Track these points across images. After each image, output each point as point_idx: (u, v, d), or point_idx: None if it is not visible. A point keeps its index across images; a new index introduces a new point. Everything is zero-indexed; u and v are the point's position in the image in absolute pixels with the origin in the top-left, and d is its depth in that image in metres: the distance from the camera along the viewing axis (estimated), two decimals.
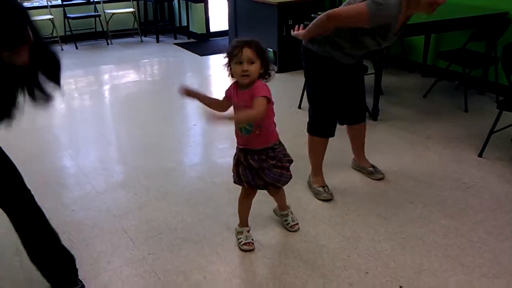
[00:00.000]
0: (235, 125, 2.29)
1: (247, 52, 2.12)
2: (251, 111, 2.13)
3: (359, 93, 3.09)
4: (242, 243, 2.52)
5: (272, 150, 2.32)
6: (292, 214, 2.71)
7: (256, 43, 2.17)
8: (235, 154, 2.39)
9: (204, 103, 2.36)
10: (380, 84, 4.23)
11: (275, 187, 2.43)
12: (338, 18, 2.59)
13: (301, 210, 2.85)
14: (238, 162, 2.36)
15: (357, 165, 3.35)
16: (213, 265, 2.41)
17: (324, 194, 3.00)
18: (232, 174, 2.43)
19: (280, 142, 2.37)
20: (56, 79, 1.86)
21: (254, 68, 2.14)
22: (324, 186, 3.04)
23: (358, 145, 3.29)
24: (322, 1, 5.97)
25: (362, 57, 2.98)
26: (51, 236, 2.08)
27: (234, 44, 2.16)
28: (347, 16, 2.57)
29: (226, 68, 2.23)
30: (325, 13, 2.61)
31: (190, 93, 2.33)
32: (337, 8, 2.66)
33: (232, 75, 2.23)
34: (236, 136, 2.35)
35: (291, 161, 2.41)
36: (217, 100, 2.36)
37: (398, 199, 2.98)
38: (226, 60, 2.20)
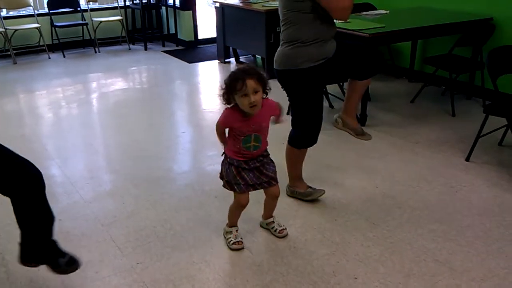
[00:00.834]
0: (240, 146, 2.32)
1: (251, 84, 2.15)
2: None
3: (355, 55, 3.00)
4: (232, 242, 2.53)
5: (266, 150, 2.46)
6: (277, 220, 2.72)
7: (256, 71, 2.21)
8: (230, 165, 2.38)
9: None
10: (368, 90, 4.25)
11: (276, 181, 2.49)
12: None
13: (289, 217, 2.84)
14: (239, 169, 2.37)
15: (344, 123, 3.19)
16: (202, 273, 2.40)
17: (317, 192, 2.99)
18: (234, 187, 2.41)
19: None
20: None
21: (259, 96, 2.20)
22: (310, 186, 3.04)
23: (352, 101, 3.15)
24: None
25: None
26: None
27: (234, 77, 2.18)
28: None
29: (223, 97, 2.24)
30: (338, 7, 2.59)
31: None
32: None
33: (227, 103, 2.26)
34: (232, 153, 2.37)
35: None
36: (224, 132, 2.41)
37: (386, 204, 2.99)
38: (224, 91, 2.22)
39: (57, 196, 3.21)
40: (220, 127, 2.37)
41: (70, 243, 2.65)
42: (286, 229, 2.68)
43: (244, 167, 2.37)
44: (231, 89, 2.19)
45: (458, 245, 2.56)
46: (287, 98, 2.88)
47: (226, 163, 2.41)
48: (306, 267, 2.41)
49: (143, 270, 2.43)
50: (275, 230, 2.67)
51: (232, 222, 2.60)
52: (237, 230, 2.59)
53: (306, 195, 3.02)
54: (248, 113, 2.25)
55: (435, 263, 2.42)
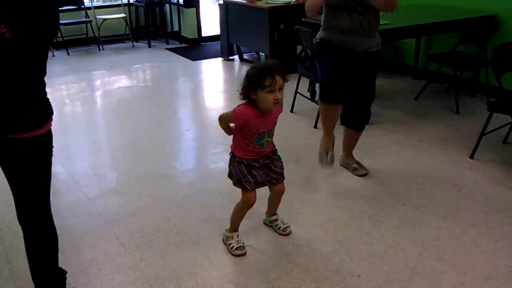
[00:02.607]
0: (254, 144, 2.31)
1: (280, 81, 2.15)
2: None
3: (367, 96, 3.16)
4: (234, 247, 2.51)
5: (273, 145, 2.46)
6: (281, 217, 2.71)
7: (283, 69, 2.20)
8: (239, 164, 2.36)
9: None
10: None
11: (283, 177, 2.50)
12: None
13: (293, 214, 2.84)
14: (249, 168, 2.36)
15: (344, 161, 3.42)
16: (206, 271, 2.40)
17: (324, 159, 3.13)
18: (244, 184, 2.38)
19: None
20: None
21: (282, 93, 2.20)
22: (328, 151, 3.14)
23: (349, 146, 3.37)
24: None
25: (373, 59, 3.05)
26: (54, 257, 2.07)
27: (262, 73, 2.13)
28: None
29: (243, 91, 2.21)
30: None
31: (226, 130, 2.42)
32: None
33: (244, 98, 2.22)
34: (244, 153, 2.35)
35: None
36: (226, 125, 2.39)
37: (390, 202, 2.98)
38: (247, 85, 2.18)
39: (61, 194, 3.22)
40: (228, 120, 2.31)
41: (74, 240, 2.67)
42: (289, 226, 2.68)
43: (254, 165, 2.36)
44: (257, 84, 2.14)
45: (462, 243, 2.56)
46: None
47: (235, 162, 2.38)
48: (309, 265, 2.41)
49: (147, 267, 2.44)
50: (279, 228, 2.67)
51: (235, 226, 2.56)
52: (238, 235, 2.57)
53: (319, 156, 3.18)
54: (264, 110, 2.23)
55: (439, 261, 2.41)
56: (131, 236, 2.70)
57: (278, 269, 2.39)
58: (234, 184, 2.45)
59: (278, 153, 2.48)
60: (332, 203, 2.98)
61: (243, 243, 2.54)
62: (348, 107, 3.18)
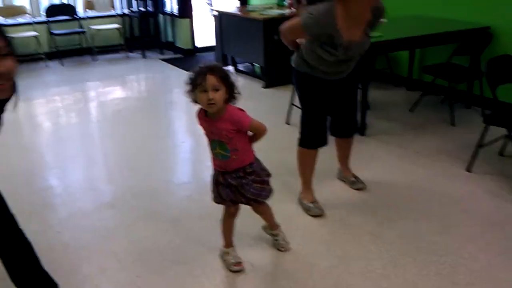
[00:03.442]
0: (212, 153, 2.29)
1: (211, 80, 2.06)
2: (258, 136, 2.28)
3: (351, 107, 3.12)
4: (232, 263, 2.48)
5: (250, 166, 2.30)
6: (283, 233, 2.66)
7: (220, 69, 2.13)
8: (213, 175, 2.37)
9: None
10: (367, 99, 4.25)
11: (257, 202, 2.39)
12: (284, 32, 2.83)
13: (291, 228, 2.82)
14: (217, 182, 2.34)
15: (340, 174, 3.40)
16: (203, 286, 2.38)
17: (315, 210, 2.99)
18: (212, 194, 2.40)
19: (256, 158, 2.35)
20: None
21: (219, 96, 2.09)
22: (314, 201, 3.04)
23: (343, 157, 3.34)
24: None
25: (355, 72, 2.97)
26: (34, 263, 2.03)
27: (197, 71, 2.11)
28: (289, 30, 2.80)
29: (188, 95, 2.17)
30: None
31: None
32: (284, 24, 2.82)
33: (195, 101, 2.18)
34: (212, 160, 2.34)
35: (269, 175, 2.38)
36: None
37: (387, 215, 2.97)
38: (189, 87, 2.14)
39: (56, 207, 3.18)
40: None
41: (69, 255, 2.63)
42: (289, 244, 2.64)
43: (220, 182, 2.31)
44: (193, 84, 2.11)
45: (461, 258, 2.55)
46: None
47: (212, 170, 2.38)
48: (307, 281, 2.39)
49: (143, 283, 2.41)
50: (278, 244, 2.63)
51: (226, 240, 2.52)
52: (234, 250, 2.53)
53: (305, 209, 3.03)
54: (209, 115, 2.18)
55: (438, 277, 2.40)
56: (127, 251, 2.67)
57: (276, 285, 2.37)
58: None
59: (262, 178, 2.33)
60: (330, 218, 2.96)
61: (240, 259, 2.51)
62: (335, 119, 3.13)
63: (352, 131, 3.23)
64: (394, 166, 3.66)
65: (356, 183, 3.29)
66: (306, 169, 3.04)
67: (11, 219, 1.94)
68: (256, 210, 2.50)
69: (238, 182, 2.28)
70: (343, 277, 2.41)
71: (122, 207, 3.15)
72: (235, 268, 2.46)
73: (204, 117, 2.21)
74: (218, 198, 2.37)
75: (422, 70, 4.91)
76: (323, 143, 3.00)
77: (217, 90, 2.08)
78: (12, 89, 1.67)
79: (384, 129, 4.37)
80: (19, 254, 1.98)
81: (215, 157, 2.29)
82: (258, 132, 2.27)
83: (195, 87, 2.10)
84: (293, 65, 2.91)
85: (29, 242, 2.00)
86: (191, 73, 2.14)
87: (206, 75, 2.06)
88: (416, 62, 5.39)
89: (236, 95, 2.17)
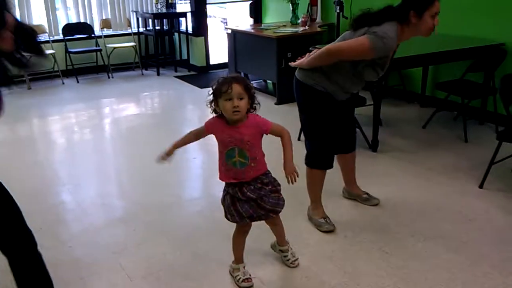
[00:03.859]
0: (224, 161, 2.30)
1: (237, 88, 2.14)
2: (285, 140, 2.31)
3: (351, 123, 3.16)
4: (241, 279, 2.47)
5: (265, 175, 2.33)
6: (292, 249, 2.66)
7: (244, 79, 2.23)
8: (226, 194, 2.37)
9: (180, 147, 2.44)
10: (379, 115, 4.23)
11: (276, 213, 2.41)
12: (339, 52, 2.68)
13: (302, 245, 2.81)
14: (233, 200, 2.33)
15: (350, 193, 3.35)
16: None
17: (326, 226, 2.98)
18: (228, 214, 2.39)
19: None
20: (36, 50, 1.84)
21: (244, 104, 2.17)
22: (325, 217, 3.03)
23: (349, 173, 3.30)
24: (320, 34, 6.03)
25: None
26: (47, 282, 2.04)
27: (221, 81, 2.18)
28: (349, 51, 2.65)
29: (210, 105, 2.23)
30: (325, 48, 2.69)
31: (165, 156, 2.46)
32: (336, 43, 2.71)
33: (215, 111, 2.25)
34: (223, 174, 2.34)
35: (280, 185, 2.41)
36: (191, 136, 2.42)
37: (399, 232, 2.94)
38: (211, 97, 2.21)
39: (68, 223, 3.21)
40: (199, 128, 2.35)
41: (80, 270, 2.64)
42: (298, 259, 2.64)
43: (239, 197, 2.30)
44: (217, 92, 2.17)
45: (474, 276, 2.51)
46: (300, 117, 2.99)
47: (224, 189, 2.38)
48: None
49: None
50: (288, 260, 2.62)
51: (237, 256, 2.52)
52: (244, 267, 2.52)
53: (317, 225, 3.01)
54: (231, 123, 2.22)
55: None
56: (137, 267, 2.67)
57: None
58: (224, 215, 2.43)
59: (276, 187, 2.38)
60: (341, 234, 2.95)
61: (250, 275, 2.50)
62: (340, 136, 3.06)
63: (354, 144, 3.22)
64: (406, 182, 3.63)
65: (370, 200, 3.26)
66: (316, 187, 3.03)
67: (28, 236, 1.95)
68: (273, 222, 2.50)
69: (257, 195, 2.30)
70: None
71: (133, 223, 3.16)
72: (244, 284, 2.45)
73: (225, 124, 2.25)
74: (236, 217, 2.35)
75: (436, 87, 4.89)
76: (331, 164, 2.97)
77: (241, 98, 2.16)
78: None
79: (397, 146, 4.35)
80: (34, 272, 1.99)
81: (232, 166, 2.28)
82: (282, 134, 2.31)
83: (220, 95, 2.16)
84: (308, 82, 2.80)
85: (43, 262, 2.01)
86: (214, 83, 2.21)
87: (232, 84, 2.14)
88: (429, 78, 5.37)
89: (255, 105, 2.25)
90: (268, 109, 5.58)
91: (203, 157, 4.42)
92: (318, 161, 2.95)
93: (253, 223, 2.43)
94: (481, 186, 3.49)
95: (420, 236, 2.90)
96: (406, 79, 5.65)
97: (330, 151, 2.97)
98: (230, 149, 2.26)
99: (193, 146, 4.72)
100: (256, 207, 2.32)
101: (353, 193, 3.33)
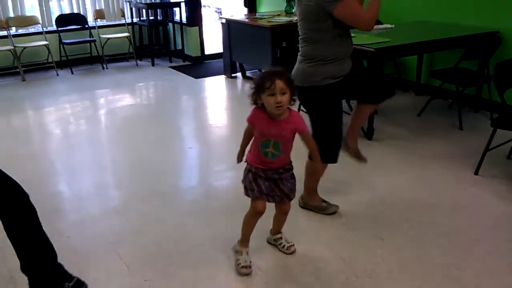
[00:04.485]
0: (259, 151, 2.34)
1: (280, 84, 2.17)
2: (315, 150, 2.50)
3: (371, 78, 3.07)
4: (241, 265, 2.49)
5: (289, 164, 2.46)
6: (285, 236, 2.69)
7: (286, 74, 2.25)
8: (248, 172, 2.40)
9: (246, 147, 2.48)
10: None
11: (289, 199, 2.48)
12: (371, 15, 2.68)
13: (297, 233, 2.83)
14: (255, 177, 2.38)
15: (347, 147, 3.23)
16: None
17: (332, 207, 3.03)
18: (248, 192, 2.42)
19: None
20: None
21: (286, 99, 2.21)
22: (324, 201, 3.07)
23: (359, 123, 3.23)
24: None
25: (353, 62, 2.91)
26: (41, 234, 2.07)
27: (265, 76, 2.21)
28: (356, 9, 2.64)
29: (251, 97, 2.28)
30: (363, 21, 2.66)
31: (240, 157, 2.50)
32: (360, 19, 2.65)
33: (256, 103, 2.29)
34: (253, 157, 2.39)
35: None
36: (246, 135, 2.45)
37: (394, 219, 2.97)
38: (253, 90, 2.26)
39: (65, 213, 3.22)
40: (247, 124, 2.39)
41: (77, 260, 2.65)
42: (293, 245, 2.66)
43: (260, 175, 2.37)
44: (260, 88, 2.21)
45: (468, 261, 2.53)
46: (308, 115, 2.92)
47: (246, 169, 2.43)
48: (314, 284, 2.39)
49: (150, 287, 2.42)
50: (283, 247, 2.65)
51: (245, 237, 2.56)
52: (247, 252, 2.55)
53: (320, 209, 3.04)
54: (273, 116, 2.27)
55: (444, 279, 2.39)
56: (134, 256, 2.69)
57: None
58: (244, 192, 2.46)
59: (294, 176, 2.47)
60: (336, 221, 2.97)
61: (250, 262, 2.51)
62: (363, 92, 2.97)
63: (384, 95, 3.06)
64: (401, 170, 3.65)
65: (359, 157, 3.23)
66: (318, 177, 3.04)
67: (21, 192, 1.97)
68: (283, 210, 2.56)
69: (279, 176, 2.40)
70: (350, 280, 2.41)
71: (130, 212, 3.17)
72: (243, 270, 2.48)
73: (266, 119, 2.29)
74: (257, 192, 2.39)
75: (430, 75, 4.90)
76: (335, 157, 2.95)
77: (284, 93, 2.19)
78: None
79: (392, 134, 4.37)
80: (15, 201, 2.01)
81: (263, 156, 2.34)
82: (311, 144, 2.48)
83: (263, 91, 2.20)
84: (312, 83, 2.75)
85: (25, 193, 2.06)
86: (257, 77, 2.25)
87: (275, 80, 2.17)
88: (424, 67, 5.38)
89: (295, 98, 2.29)
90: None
91: (199, 146, 4.42)
92: (331, 156, 2.91)
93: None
94: (476, 173, 3.51)
95: (415, 222, 2.92)
96: (401, 67, 5.65)
97: (337, 147, 2.94)
98: (266, 140, 2.32)
99: (189, 135, 4.74)
100: (274, 187, 2.40)
101: (349, 147, 3.22)
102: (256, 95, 2.26)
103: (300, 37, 2.83)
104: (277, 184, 2.40)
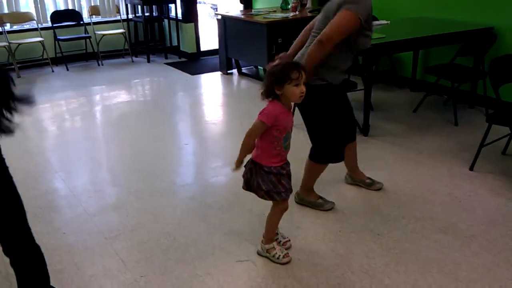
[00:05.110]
0: (280, 146, 2.34)
1: (304, 75, 2.23)
2: None
3: (350, 111, 3.10)
4: (281, 256, 2.53)
5: None
6: (281, 232, 2.70)
7: (303, 65, 2.33)
8: (269, 173, 2.36)
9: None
10: (370, 100, 4.25)
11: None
12: (332, 38, 2.64)
13: (293, 228, 2.83)
14: (278, 177, 2.37)
15: (354, 179, 3.36)
16: (206, 286, 2.39)
17: (328, 204, 3.05)
18: (274, 196, 2.40)
19: None
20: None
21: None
22: (321, 197, 3.08)
23: (352, 159, 3.31)
24: (310, 19, 6.00)
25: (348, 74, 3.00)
26: (45, 277, 2.05)
27: (285, 67, 2.21)
28: (340, 30, 2.63)
29: (267, 90, 2.26)
30: (316, 41, 2.65)
31: (239, 163, 2.41)
32: (324, 31, 2.65)
33: (268, 97, 2.28)
34: (272, 159, 2.36)
35: None
36: (253, 146, 2.40)
37: (390, 215, 2.98)
38: (270, 80, 2.23)
39: (61, 209, 3.21)
40: (260, 127, 2.28)
41: (74, 256, 2.65)
42: (289, 240, 2.67)
43: (282, 173, 2.39)
44: (284, 78, 2.20)
45: (463, 256, 2.55)
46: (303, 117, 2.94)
47: (262, 173, 2.36)
48: (310, 279, 2.40)
49: (147, 283, 2.42)
50: (279, 242, 2.66)
51: (271, 235, 2.57)
52: (278, 243, 2.59)
53: (316, 205, 3.05)
54: (288, 106, 2.30)
55: (440, 274, 2.41)
56: (131, 252, 2.69)
57: (279, 285, 2.38)
58: (262, 196, 2.43)
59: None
60: (332, 217, 2.97)
61: (286, 250, 2.57)
62: (344, 126, 3.06)
63: (355, 132, 3.23)
64: (397, 166, 3.66)
65: (373, 184, 3.28)
66: (317, 176, 3.06)
67: (28, 233, 1.95)
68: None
69: (289, 167, 2.46)
70: (346, 275, 2.42)
71: (126, 209, 3.17)
72: (285, 259, 2.52)
73: (284, 110, 2.30)
74: (283, 193, 2.41)
75: (426, 71, 4.91)
76: (343, 155, 2.99)
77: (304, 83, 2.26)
78: None
79: (388, 130, 4.38)
80: (33, 268, 1.98)
81: (285, 150, 2.38)
82: None
83: (289, 81, 2.20)
84: (318, 82, 2.74)
85: (43, 258, 2.00)
86: (275, 69, 2.23)
87: (300, 71, 2.21)
88: (419, 63, 5.39)
89: None
90: (259, 95, 5.56)
91: (195, 143, 4.42)
92: (332, 157, 2.94)
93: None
94: (471, 169, 3.53)
95: (411, 217, 2.93)
96: (397, 64, 5.66)
97: (342, 142, 2.96)
98: (288, 132, 2.35)
99: (185, 132, 4.74)
100: (288, 180, 2.45)
101: (356, 179, 3.34)
102: (276, 86, 2.21)
103: (310, 38, 2.84)
104: (289, 176, 2.46)
